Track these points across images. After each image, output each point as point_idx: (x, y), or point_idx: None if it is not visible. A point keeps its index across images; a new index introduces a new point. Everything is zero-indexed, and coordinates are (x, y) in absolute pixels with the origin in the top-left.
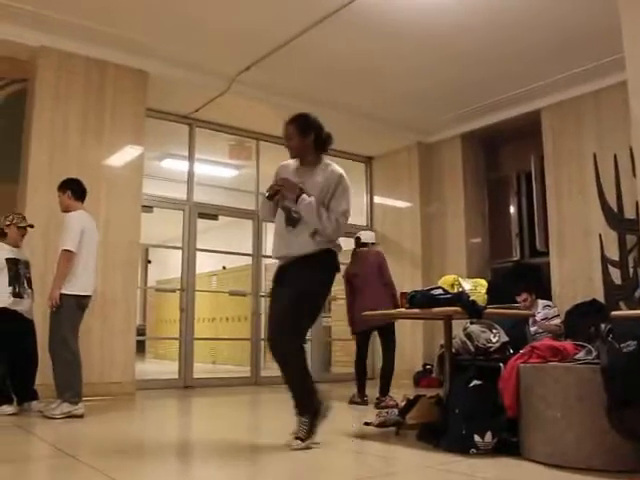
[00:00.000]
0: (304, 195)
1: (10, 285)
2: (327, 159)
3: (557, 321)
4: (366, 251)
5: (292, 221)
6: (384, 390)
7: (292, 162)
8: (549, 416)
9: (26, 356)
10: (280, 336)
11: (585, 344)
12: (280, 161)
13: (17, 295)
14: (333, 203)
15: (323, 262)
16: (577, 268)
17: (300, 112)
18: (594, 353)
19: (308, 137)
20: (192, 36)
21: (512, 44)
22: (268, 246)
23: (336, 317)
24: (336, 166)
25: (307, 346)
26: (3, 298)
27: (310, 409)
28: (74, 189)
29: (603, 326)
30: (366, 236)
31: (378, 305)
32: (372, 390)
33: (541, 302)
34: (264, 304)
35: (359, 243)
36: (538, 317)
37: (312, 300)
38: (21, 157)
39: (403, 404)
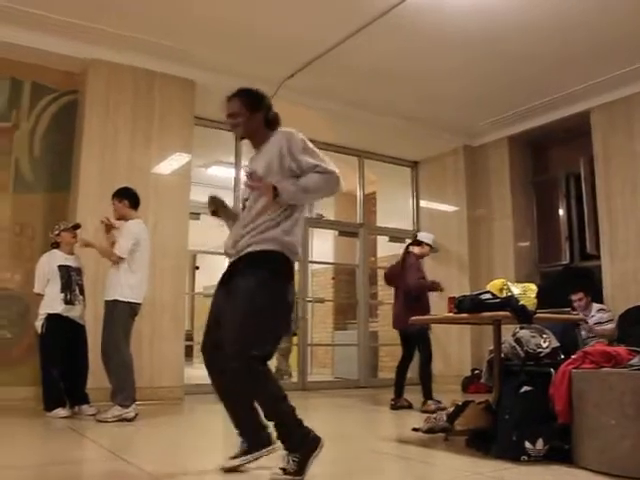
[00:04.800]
0: (279, 189)
1: (62, 292)
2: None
3: (611, 326)
4: (408, 254)
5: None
6: (425, 394)
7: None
8: (603, 423)
9: (78, 361)
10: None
11: (639, 350)
12: None
13: (68, 302)
14: (305, 164)
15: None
16: (630, 271)
17: (243, 87)
18: None
19: (258, 114)
20: (238, 44)
21: (561, 44)
22: (315, 251)
23: (383, 322)
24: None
25: (355, 351)
26: (55, 305)
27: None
28: (131, 199)
29: None
30: (422, 235)
31: (399, 312)
32: (415, 395)
33: (595, 305)
34: (310, 309)
35: (413, 241)
36: (591, 321)
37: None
38: (72, 166)
39: (451, 410)
